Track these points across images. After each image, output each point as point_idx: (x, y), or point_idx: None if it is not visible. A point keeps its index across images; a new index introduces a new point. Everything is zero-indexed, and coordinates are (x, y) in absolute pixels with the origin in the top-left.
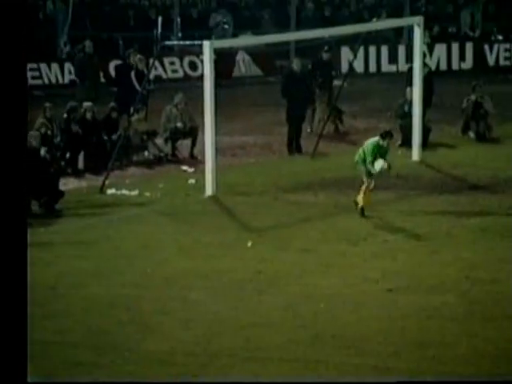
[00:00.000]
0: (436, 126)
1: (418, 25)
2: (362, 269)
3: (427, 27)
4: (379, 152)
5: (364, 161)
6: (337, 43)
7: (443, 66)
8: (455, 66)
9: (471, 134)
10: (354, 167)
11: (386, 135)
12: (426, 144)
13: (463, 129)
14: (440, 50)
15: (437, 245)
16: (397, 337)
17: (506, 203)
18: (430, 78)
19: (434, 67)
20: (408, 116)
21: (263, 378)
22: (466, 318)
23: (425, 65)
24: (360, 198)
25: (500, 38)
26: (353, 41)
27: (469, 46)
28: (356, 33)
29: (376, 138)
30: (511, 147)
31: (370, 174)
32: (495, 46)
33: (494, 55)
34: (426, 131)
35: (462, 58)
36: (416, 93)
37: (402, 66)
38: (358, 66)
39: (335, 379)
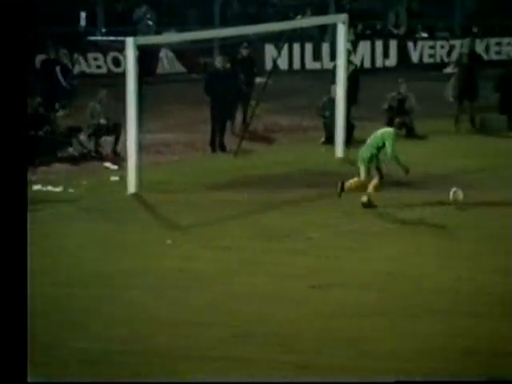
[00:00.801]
0: (360, 123)
1: (343, 22)
2: (287, 266)
3: (352, 25)
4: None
5: (371, 157)
6: (261, 41)
7: (367, 64)
8: (379, 63)
9: None
10: (286, 165)
11: (401, 126)
12: (349, 141)
13: (387, 125)
14: (364, 47)
15: (362, 241)
16: (323, 334)
17: (432, 199)
18: (355, 75)
19: (358, 65)
20: (332, 113)
21: (190, 378)
22: (391, 314)
23: (351, 62)
24: (370, 193)
25: (424, 35)
26: (277, 38)
27: (393, 44)
28: (280, 30)
29: (390, 130)
30: (435, 143)
31: (377, 168)
32: (419, 44)
33: (417, 52)
34: (350, 128)
35: (386, 55)
36: (340, 90)
37: (327, 64)
38: (282, 64)
39: (333, 379)
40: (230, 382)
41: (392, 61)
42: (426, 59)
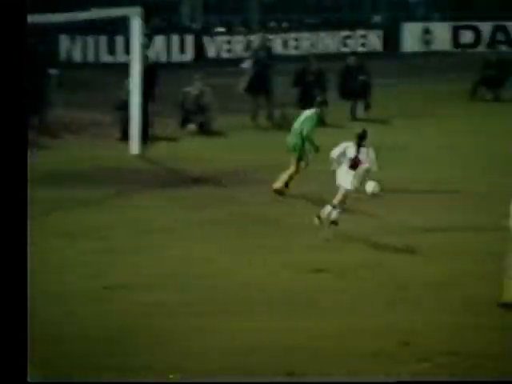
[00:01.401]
0: (157, 119)
1: (137, 15)
2: (81, 266)
3: (147, 18)
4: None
5: (303, 141)
6: (55, 31)
7: (163, 58)
8: (175, 58)
9: (192, 127)
10: (82, 161)
11: (322, 104)
12: (146, 137)
13: (183, 121)
14: (160, 41)
15: (161, 239)
16: (120, 334)
17: (231, 194)
18: (152, 70)
19: (153, 59)
20: (127, 108)
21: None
22: (185, 314)
23: (147, 57)
24: (281, 182)
25: (221, 30)
26: (71, 29)
27: (189, 38)
28: (74, 21)
29: (311, 111)
30: (232, 138)
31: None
32: (216, 39)
33: (214, 47)
34: (147, 124)
35: (182, 50)
36: (134, 85)
37: (121, 57)
38: (76, 56)
39: (333, 379)
40: (230, 382)
41: (188, 56)
42: (222, 54)
